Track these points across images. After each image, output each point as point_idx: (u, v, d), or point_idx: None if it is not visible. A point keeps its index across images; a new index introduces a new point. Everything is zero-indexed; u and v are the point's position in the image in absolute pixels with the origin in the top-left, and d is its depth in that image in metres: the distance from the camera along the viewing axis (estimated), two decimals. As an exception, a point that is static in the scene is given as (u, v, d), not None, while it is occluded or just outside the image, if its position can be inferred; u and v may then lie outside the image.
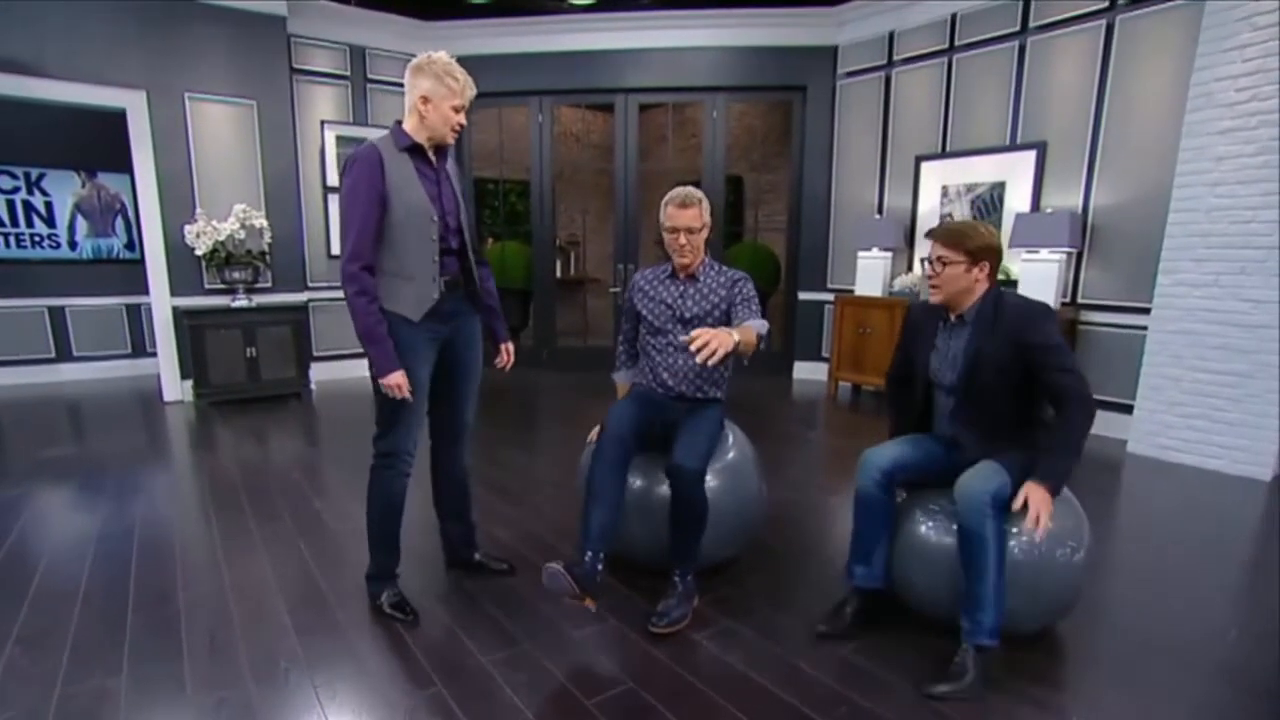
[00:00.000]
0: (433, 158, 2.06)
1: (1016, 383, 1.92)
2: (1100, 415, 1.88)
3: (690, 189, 2.32)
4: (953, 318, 2.05)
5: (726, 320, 2.35)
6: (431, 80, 1.95)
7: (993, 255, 1.94)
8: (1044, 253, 4.30)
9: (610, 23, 5.77)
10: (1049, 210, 4.42)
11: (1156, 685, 1.87)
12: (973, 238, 1.92)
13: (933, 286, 2.01)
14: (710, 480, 2.22)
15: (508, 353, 2.41)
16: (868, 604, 2.09)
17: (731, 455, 2.39)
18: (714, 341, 1.85)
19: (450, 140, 2.05)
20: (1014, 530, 1.88)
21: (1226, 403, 3.62)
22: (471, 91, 2.02)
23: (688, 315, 2.37)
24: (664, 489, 2.19)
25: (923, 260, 2.00)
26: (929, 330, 2.11)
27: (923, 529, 2.02)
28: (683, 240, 2.31)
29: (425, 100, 1.96)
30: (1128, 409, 4.06)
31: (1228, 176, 3.58)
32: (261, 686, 1.83)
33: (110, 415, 4.88)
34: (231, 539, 2.76)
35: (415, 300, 2.02)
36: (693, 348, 1.86)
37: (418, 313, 2.03)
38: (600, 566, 2.02)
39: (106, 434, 4.40)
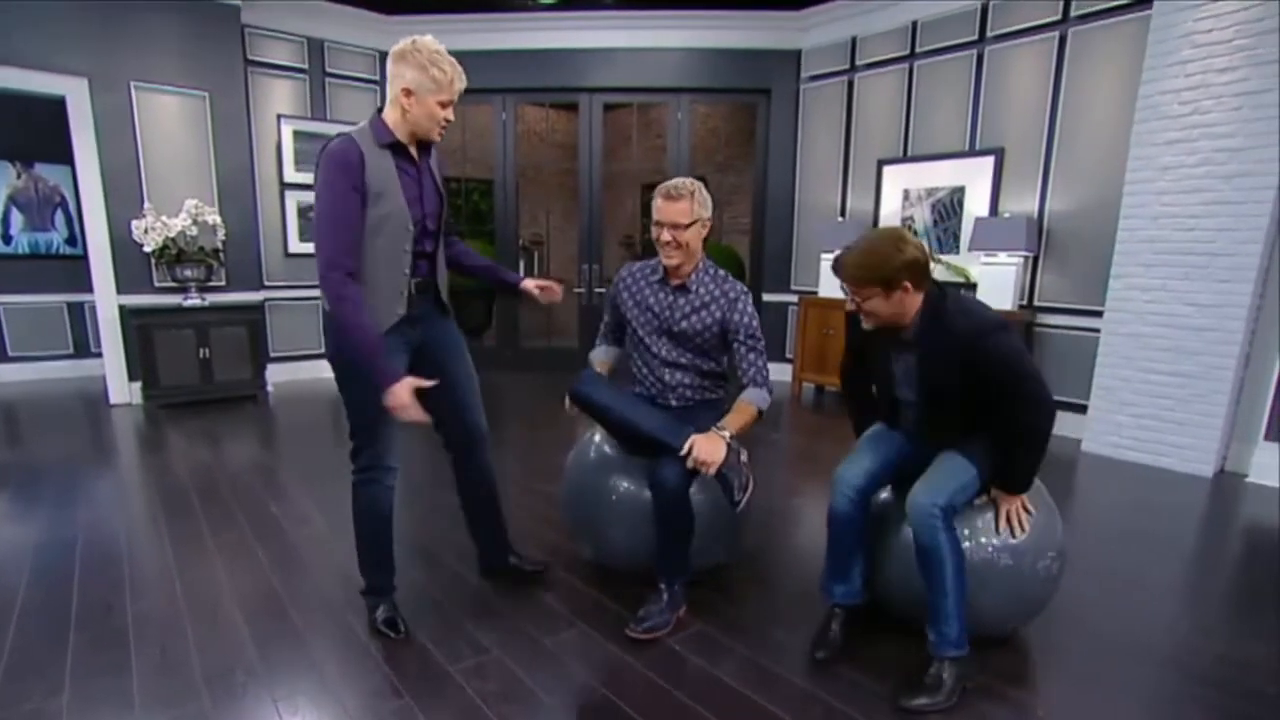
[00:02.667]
0: (414, 153, 1.90)
1: (980, 395, 1.81)
2: (1056, 415, 1.88)
3: (684, 180, 2.09)
4: (899, 336, 1.90)
5: (721, 342, 2.20)
6: (415, 71, 1.77)
7: (910, 272, 1.73)
8: (1002, 256, 4.41)
9: (575, 21, 5.73)
10: (1007, 215, 4.55)
11: (1111, 677, 1.92)
12: (881, 264, 1.73)
13: (863, 319, 1.87)
14: (696, 489, 2.13)
15: (538, 287, 2.25)
16: (850, 618, 2.04)
17: None
18: (704, 457, 1.91)
19: (436, 138, 1.89)
20: (991, 543, 1.88)
21: (1174, 403, 3.76)
22: (461, 84, 1.85)
23: (675, 329, 2.19)
24: (645, 495, 2.11)
25: (842, 286, 1.86)
26: (878, 346, 1.98)
27: (905, 537, 1.93)
28: (666, 236, 2.08)
29: (408, 93, 1.79)
30: (1082, 409, 4.20)
31: (1173, 186, 3.72)
32: (217, 701, 1.75)
33: (51, 418, 4.65)
34: (183, 547, 2.65)
35: (384, 310, 1.88)
36: (689, 464, 1.93)
37: (385, 323, 1.88)
38: None
39: (46, 437, 4.19)
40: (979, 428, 1.89)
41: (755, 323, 2.17)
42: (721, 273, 2.23)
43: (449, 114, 1.86)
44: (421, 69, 1.78)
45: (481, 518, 2.33)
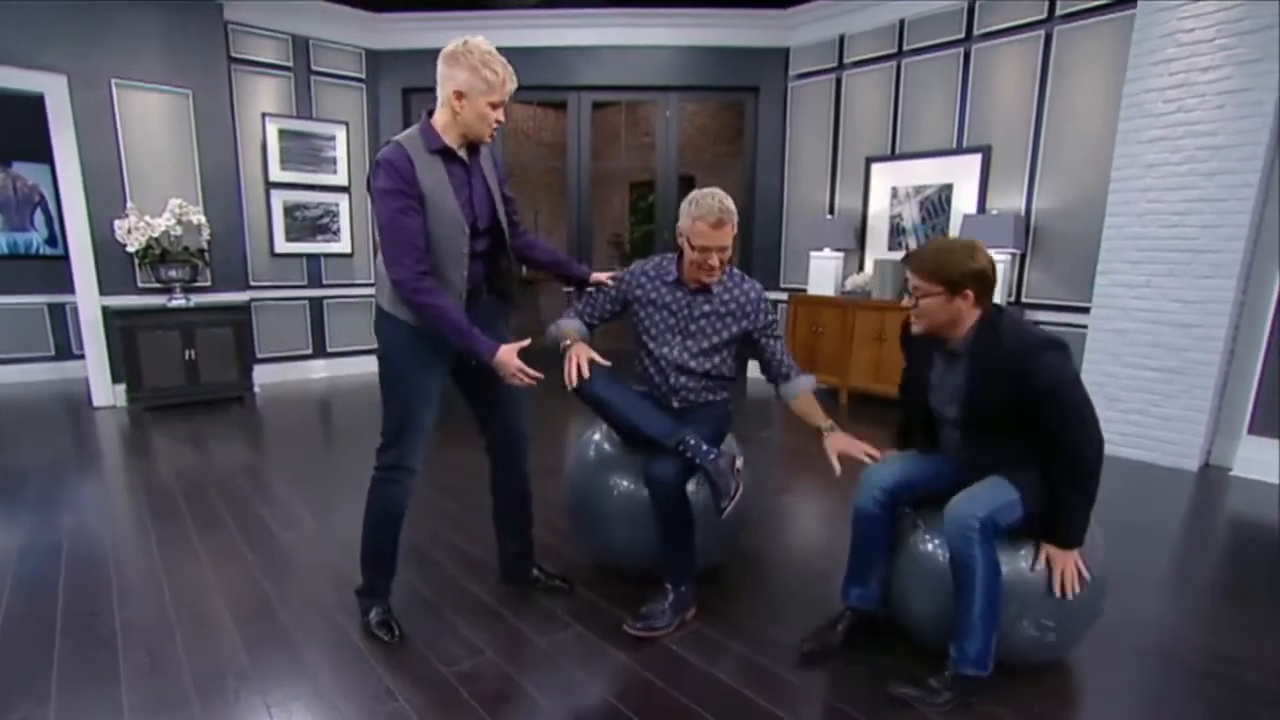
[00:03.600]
0: (464, 155, 1.90)
1: (1024, 421, 1.75)
2: (1104, 454, 1.78)
3: (724, 201, 2.05)
4: (946, 349, 1.87)
5: (746, 342, 2.22)
6: (467, 73, 1.76)
7: (977, 282, 1.74)
8: (990, 253, 4.44)
9: (564, 20, 5.70)
10: (994, 212, 4.58)
11: (1101, 670, 1.95)
12: (951, 265, 1.73)
13: (915, 318, 1.86)
14: (695, 487, 2.12)
15: (610, 278, 2.26)
16: (860, 623, 2.00)
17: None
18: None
19: (487, 139, 1.89)
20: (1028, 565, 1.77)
21: (1160, 398, 3.81)
22: (512, 84, 1.84)
23: (693, 328, 2.19)
24: (646, 493, 2.10)
25: (905, 281, 1.89)
26: (926, 355, 1.95)
27: (928, 554, 1.87)
28: (714, 261, 2.08)
29: (459, 96, 1.78)
30: (1067, 404, 4.23)
31: (1157, 183, 3.76)
32: (209, 707, 1.73)
33: (32, 421, 4.57)
34: (171, 551, 2.61)
35: None
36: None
37: None
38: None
39: (28, 441, 4.11)
40: (1017, 456, 1.81)
41: (772, 311, 2.25)
42: (736, 273, 2.24)
43: (499, 115, 1.86)
44: (474, 70, 1.77)
45: (512, 525, 2.31)
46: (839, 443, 2.05)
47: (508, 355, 1.85)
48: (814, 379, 2.21)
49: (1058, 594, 1.73)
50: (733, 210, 2.07)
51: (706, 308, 2.19)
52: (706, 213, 2.03)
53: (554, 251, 2.29)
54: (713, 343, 2.20)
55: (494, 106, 1.83)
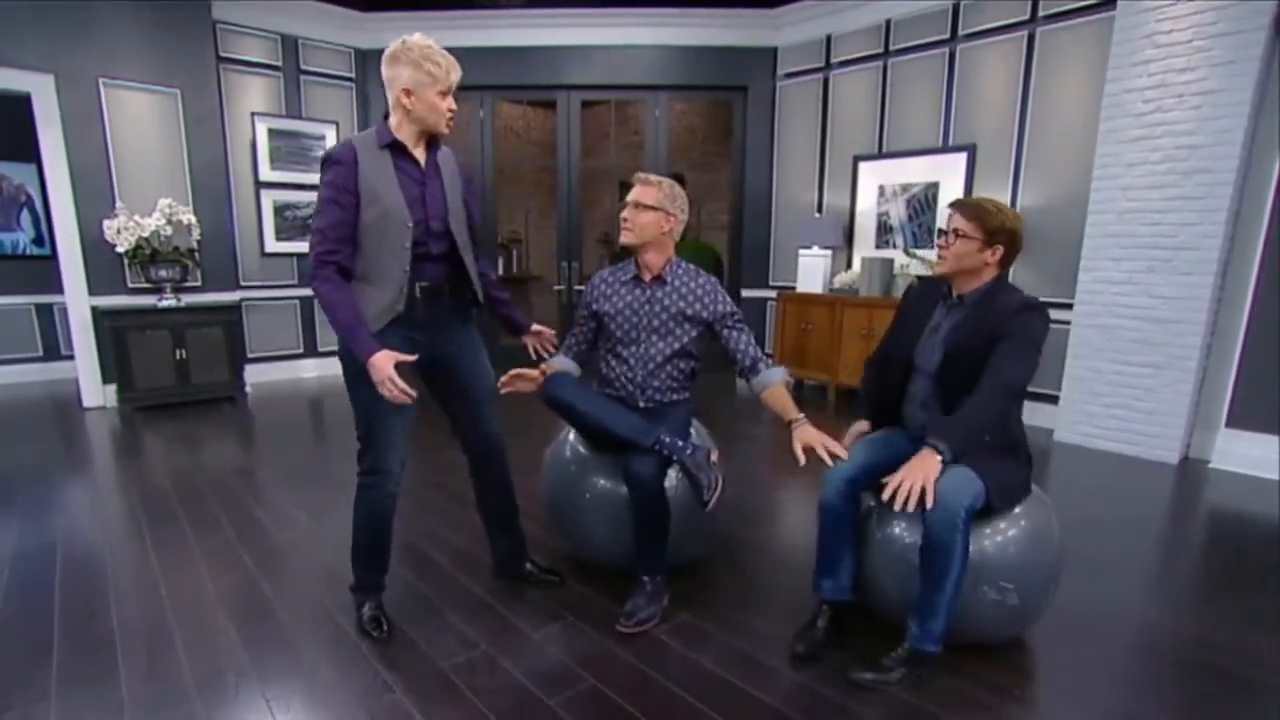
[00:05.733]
0: (419, 155, 1.93)
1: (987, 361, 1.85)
2: (1028, 406, 1.87)
3: (662, 177, 2.22)
4: (954, 296, 1.99)
5: (702, 334, 2.28)
6: (410, 69, 1.81)
7: (1009, 241, 1.89)
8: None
9: (553, 19, 5.73)
10: (978, 211, 4.63)
11: (1083, 658, 2.00)
12: (994, 217, 1.88)
13: (940, 257, 1.97)
14: (674, 482, 2.18)
15: (536, 337, 2.39)
16: (838, 614, 2.05)
17: None
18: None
19: (444, 130, 1.91)
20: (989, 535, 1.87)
21: (1141, 392, 3.88)
22: (456, 74, 1.88)
23: (656, 323, 2.25)
24: (622, 492, 2.15)
25: (939, 230, 1.96)
26: (927, 308, 2.05)
27: (897, 537, 1.95)
28: (626, 214, 2.18)
29: (408, 93, 1.83)
30: (1054, 399, 4.31)
31: (1137, 181, 3.83)
32: (209, 703, 1.76)
33: (21, 422, 4.56)
34: (167, 551, 2.63)
35: (378, 309, 1.88)
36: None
37: (379, 321, 1.88)
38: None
39: (18, 442, 4.10)
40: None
41: (731, 302, 2.30)
42: (692, 267, 2.32)
43: (450, 104, 1.90)
44: (416, 66, 1.82)
45: (500, 525, 2.34)
46: (805, 436, 2.07)
47: (383, 360, 1.79)
48: (786, 371, 2.24)
49: (887, 495, 1.75)
50: (660, 181, 2.20)
51: (664, 297, 2.25)
52: (639, 175, 2.24)
53: (504, 293, 2.31)
54: (675, 334, 2.25)
55: (443, 95, 1.87)
